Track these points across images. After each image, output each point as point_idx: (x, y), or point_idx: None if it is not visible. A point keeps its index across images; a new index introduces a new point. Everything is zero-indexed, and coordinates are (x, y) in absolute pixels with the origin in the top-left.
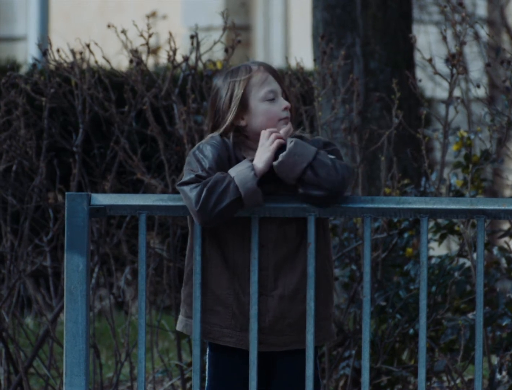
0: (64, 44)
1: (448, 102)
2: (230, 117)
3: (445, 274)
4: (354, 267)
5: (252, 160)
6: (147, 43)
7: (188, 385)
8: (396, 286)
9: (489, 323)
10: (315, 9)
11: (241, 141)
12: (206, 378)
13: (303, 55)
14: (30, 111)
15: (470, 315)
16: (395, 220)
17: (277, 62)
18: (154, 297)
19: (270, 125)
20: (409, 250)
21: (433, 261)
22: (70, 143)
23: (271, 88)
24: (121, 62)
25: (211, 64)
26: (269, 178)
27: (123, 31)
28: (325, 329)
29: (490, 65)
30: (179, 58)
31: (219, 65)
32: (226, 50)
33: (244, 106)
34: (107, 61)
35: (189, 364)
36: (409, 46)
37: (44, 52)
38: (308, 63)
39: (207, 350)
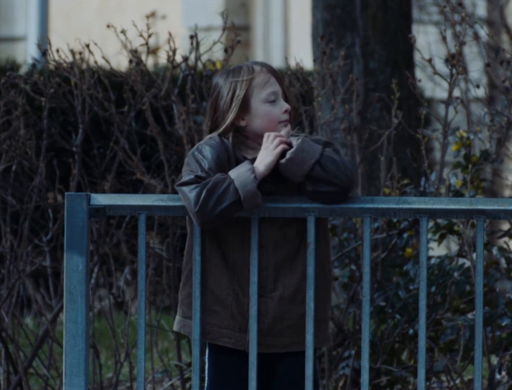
0: (63, 44)
1: (447, 102)
2: (230, 117)
3: (444, 274)
4: (353, 267)
5: (254, 159)
6: (146, 43)
7: (187, 385)
8: (395, 286)
9: (488, 323)
10: (315, 9)
11: (241, 141)
12: (206, 378)
13: (302, 55)
14: (30, 111)
15: (469, 315)
16: (395, 220)
17: (276, 62)
18: (153, 297)
19: (270, 126)
20: (409, 250)
21: (432, 261)
22: (70, 144)
23: (273, 90)
24: (121, 62)
25: (210, 64)
26: (269, 179)
27: (123, 31)
28: (322, 331)
29: (490, 66)
30: (178, 58)
31: (218, 65)
32: (225, 50)
33: (245, 106)
34: (107, 61)
35: (189, 364)
36: (408, 46)
37: (44, 52)
38: (307, 63)
39: (206, 350)
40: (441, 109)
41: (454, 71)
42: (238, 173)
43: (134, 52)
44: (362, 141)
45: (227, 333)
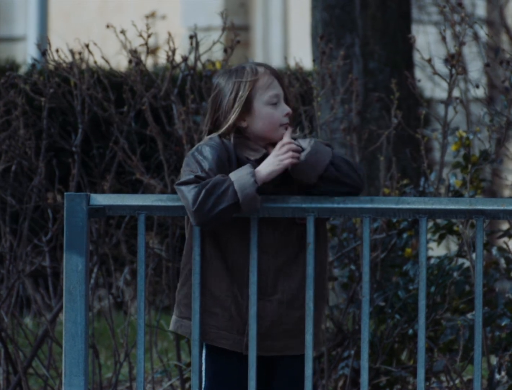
0: (63, 45)
1: (447, 102)
2: (232, 117)
3: (444, 274)
4: (353, 267)
5: (256, 161)
6: (146, 43)
7: (187, 385)
8: (395, 286)
9: (488, 323)
10: (314, 9)
11: (242, 142)
12: (203, 379)
13: (302, 55)
14: (29, 112)
15: (469, 315)
16: (394, 220)
17: (276, 62)
18: (153, 297)
19: (271, 129)
20: (408, 250)
21: (432, 261)
22: (69, 144)
23: (276, 93)
24: (120, 63)
25: (210, 64)
26: (270, 183)
27: (122, 32)
28: (315, 334)
29: (489, 66)
30: (178, 58)
31: (218, 66)
32: (225, 51)
33: (247, 108)
34: (106, 61)
35: (188, 365)
36: (408, 46)
37: (43, 52)
38: (307, 63)
39: (204, 350)
40: (441, 109)
41: (453, 71)
42: (239, 176)
43: (134, 52)
44: (361, 141)
45: (224, 335)
